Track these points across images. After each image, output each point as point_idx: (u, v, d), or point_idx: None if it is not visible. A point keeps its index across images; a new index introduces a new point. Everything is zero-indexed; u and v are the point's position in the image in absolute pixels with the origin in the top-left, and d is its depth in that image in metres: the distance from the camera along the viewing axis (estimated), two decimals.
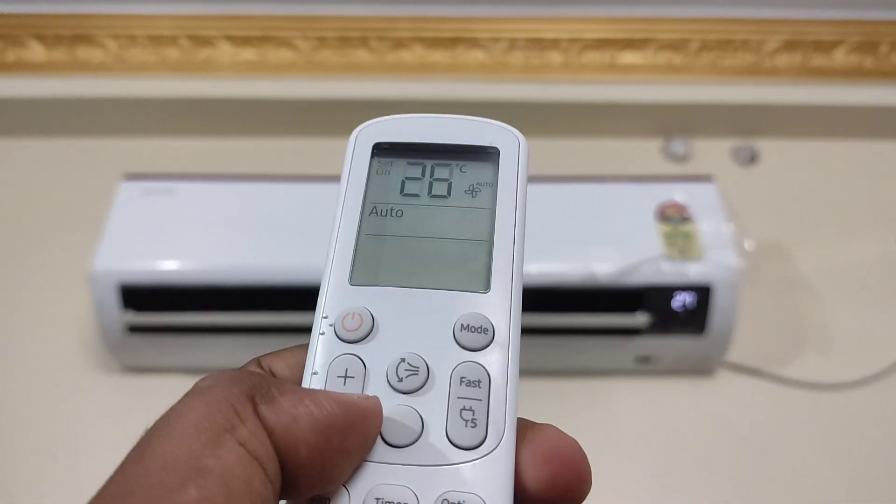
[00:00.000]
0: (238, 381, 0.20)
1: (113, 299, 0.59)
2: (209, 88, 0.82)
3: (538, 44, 0.83)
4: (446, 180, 0.27)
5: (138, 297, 0.59)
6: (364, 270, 0.25)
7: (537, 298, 0.59)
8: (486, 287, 0.24)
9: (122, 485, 0.17)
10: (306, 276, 0.59)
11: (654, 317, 0.60)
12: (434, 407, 0.22)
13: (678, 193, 0.64)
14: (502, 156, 0.27)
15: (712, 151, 0.85)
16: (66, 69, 0.83)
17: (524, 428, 0.23)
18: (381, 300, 0.24)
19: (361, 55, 0.83)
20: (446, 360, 0.23)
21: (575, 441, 0.22)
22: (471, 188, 0.26)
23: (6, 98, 0.82)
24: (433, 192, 0.26)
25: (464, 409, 0.22)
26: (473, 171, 0.27)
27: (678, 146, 0.84)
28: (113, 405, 0.64)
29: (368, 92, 0.82)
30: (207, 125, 0.84)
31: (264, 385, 0.20)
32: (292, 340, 0.65)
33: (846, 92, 0.84)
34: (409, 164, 0.27)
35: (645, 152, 0.85)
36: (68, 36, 0.82)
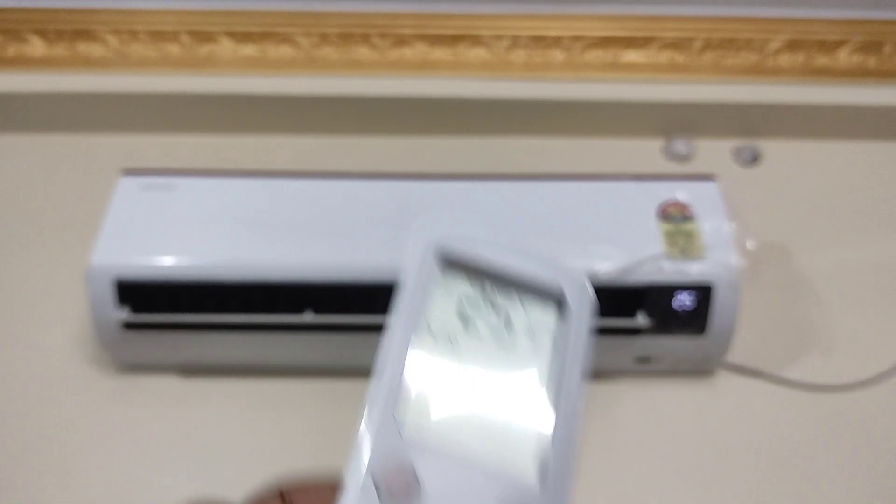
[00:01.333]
0: None
1: (109, 295, 0.59)
2: (210, 85, 0.82)
3: (541, 42, 0.83)
4: (505, 313, 0.25)
5: (134, 293, 0.59)
6: (415, 419, 0.23)
7: None
8: (541, 482, 0.23)
9: None
10: (305, 274, 0.59)
11: (655, 316, 0.60)
12: None
13: (680, 192, 0.64)
14: (568, 306, 0.25)
15: (714, 151, 0.85)
16: (66, 64, 0.83)
17: None
18: (431, 463, 0.23)
19: (363, 52, 0.83)
20: None
21: None
22: (531, 329, 0.25)
23: (6, 93, 0.82)
24: (493, 326, 0.25)
25: None
26: (535, 312, 0.25)
27: (680, 146, 0.84)
28: (107, 402, 0.64)
29: (370, 89, 0.82)
30: (208, 121, 0.84)
31: None
32: (289, 338, 0.64)
33: (850, 92, 0.84)
34: (472, 285, 0.26)
35: (647, 152, 0.85)
36: (69, 31, 0.82)
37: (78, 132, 0.85)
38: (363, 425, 0.23)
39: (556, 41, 0.83)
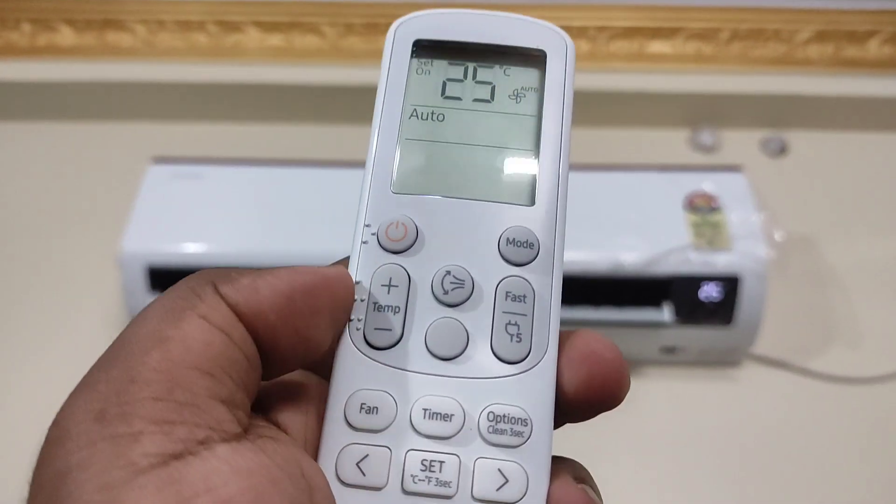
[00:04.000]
0: (200, 274, 0.22)
1: (141, 281, 0.60)
2: (237, 74, 0.83)
3: (566, 31, 0.82)
4: (489, 83, 0.26)
5: (166, 279, 0.60)
6: (407, 178, 0.24)
7: (563, 286, 0.59)
8: (532, 200, 0.24)
9: (98, 363, 0.20)
10: (331, 261, 0.59)
11: (681, 307, 0.60)
12: (479, 321, 0.23)
13: (707, 183, 0.63)
14: (549, 60, 0.26)
15: (741, 142, 0.84)
16: (95, 53, 0.84)
17: (562, 336, 0.23)
18: (426, 210, 0.24)
19: None
20: (491, 274, 0.23)
21: (611, 342, 0.23)
22: (515, 93, 0.26)
23: (37, 82, 0.83)
24: (476, 96, 0.26)
25: (509, 323, 0.23)
26: (518, 75, 0.26)
27: (706, 137, 0.83)
28: None
29: None
30: (234, 111, 0.85)
31: (223, 273, 0.22)
32: None
33: (879, 83, 0.83)
34: (450, 64, 0.26)
35: (672, 142, 0.84)
36: (98, 20, 0.83)
37: (106, 120, 0.86)
38: (360, 196, 0.25)
39: (582, 31, 0.82)
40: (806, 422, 0.63)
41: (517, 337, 0.22)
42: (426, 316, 0.23)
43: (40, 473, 0.18)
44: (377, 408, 0.22)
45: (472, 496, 0.21)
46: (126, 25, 0.83)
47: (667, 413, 0.63)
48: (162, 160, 0.66)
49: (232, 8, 0.82)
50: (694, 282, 0.59)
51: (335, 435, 0.22)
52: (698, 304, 0.59)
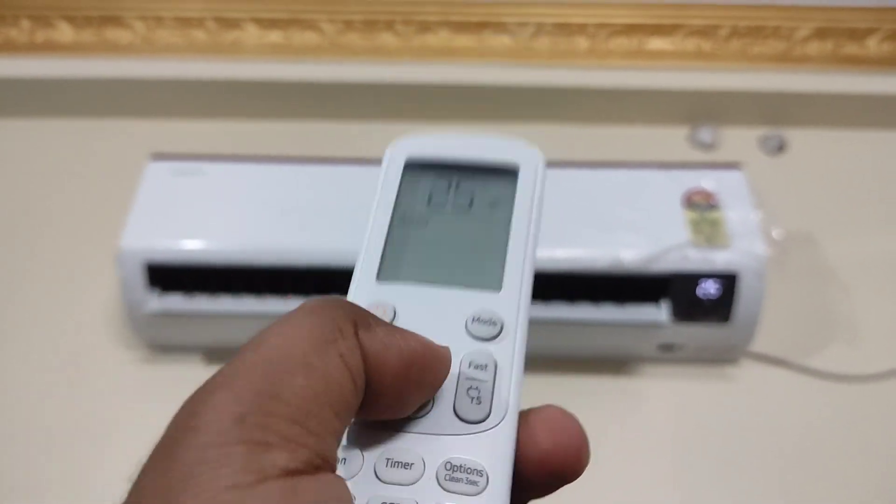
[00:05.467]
0: (343, 306, 0.23)
1: (139, 278, 0.60)
2: (235, 71, 0.83)
3: (565, 29, 0.82)
4: (469, 193, 0.30)
5: (165, 276, 0.60)
6: (390, 269, 0.28)
7: (560, 284, 0.59)
8: (499, 287, 0.27)
9: (241, 367, 0.21)
10: (330, 258, 0.59)
11: (679, 304, 0.59)
12: (444, 385, 0.25)
13: (705, 180, 0.63)
14: (522, 172, 0.30)
15: (740, 140, 0.84)
16: (94, 50, 0.83)
17: (528, 411, 0.25)
18: (404, 295, 0.27)
19: (387, 39, 0.83)
20: (458, 347, 0.26)
21: (573, 416, 0.25)
22: (491, 200, 0.30)
23: (35, 78, 0.83)
24: (457, 203, 0.30)
25: (470, 388, 0.25)
26: (495, 186, 0.30)
27: (705, 134, 0.83)
28: (137, 383, 0.65)
29: (394, 76, 0.82)
30: (233, 107, 0.84)
31: (364, 314, 0.23)
32: None
33: (879, 81, 0.83)
34: (436, 178, 0.31)
35: (671, 140, 0.84)
36: (97, 17, 0.83)
37: (105, 117, 0.85)
38: (351, 283, 0.28)
39: (581, 28, 0.82)
40: (804, 419, 0.62)
41: (477, 400, 0.25)
42: None
43: (172, 456, 0.19)
44: (346, 458, 0.24)
45: None
46: (125, 22, 0.83)
47: (665, 411, 0.63)
48: (161, 157, 0.66)
49: (231, 4, 0.82)
50: (692, 279, 0.59)
51: None
52: (696, 302, 0.59)
